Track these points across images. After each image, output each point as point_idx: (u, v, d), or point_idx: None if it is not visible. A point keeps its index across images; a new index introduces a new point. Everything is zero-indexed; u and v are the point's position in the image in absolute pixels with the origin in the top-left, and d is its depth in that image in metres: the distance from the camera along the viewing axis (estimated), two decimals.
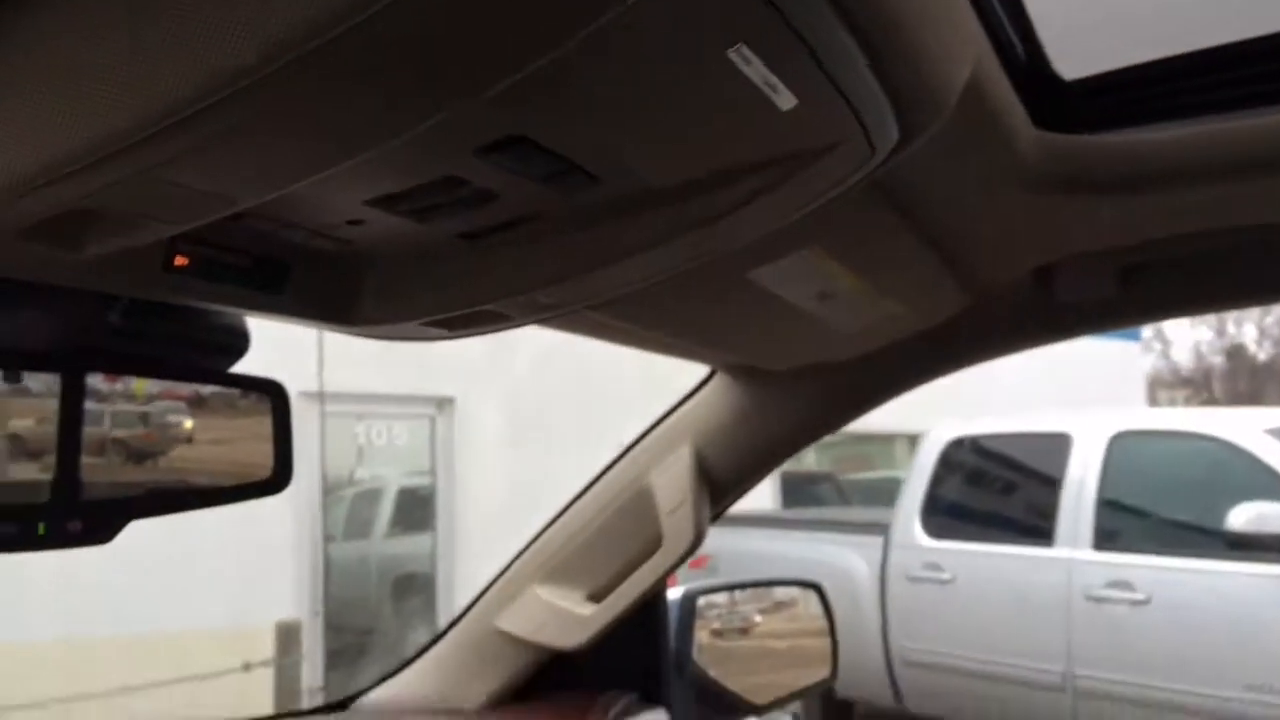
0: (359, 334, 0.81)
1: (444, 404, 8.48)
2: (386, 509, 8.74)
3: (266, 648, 6.12)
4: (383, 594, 8.59)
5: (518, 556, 1.43)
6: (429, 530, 8.56)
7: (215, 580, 6.92)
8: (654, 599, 1.48)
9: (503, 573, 1.44)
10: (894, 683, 5.35)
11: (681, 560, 1.28)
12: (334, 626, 7.70)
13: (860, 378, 1.26)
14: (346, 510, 8.64)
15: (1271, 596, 4.05)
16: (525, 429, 8.36)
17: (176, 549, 6.82)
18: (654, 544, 1.31)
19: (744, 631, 1.79)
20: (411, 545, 8.59)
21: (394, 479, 8.82)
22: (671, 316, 1.00)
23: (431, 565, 8.53)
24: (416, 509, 8.63)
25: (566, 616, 1.36)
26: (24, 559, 6.35)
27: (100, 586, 6.52)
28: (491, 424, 8.43)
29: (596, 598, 1.37)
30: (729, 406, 1.30)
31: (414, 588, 8.55)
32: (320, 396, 6.15)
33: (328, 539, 8.11)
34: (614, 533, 1.36)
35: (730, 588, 1.71)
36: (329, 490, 8.12)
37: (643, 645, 1.49)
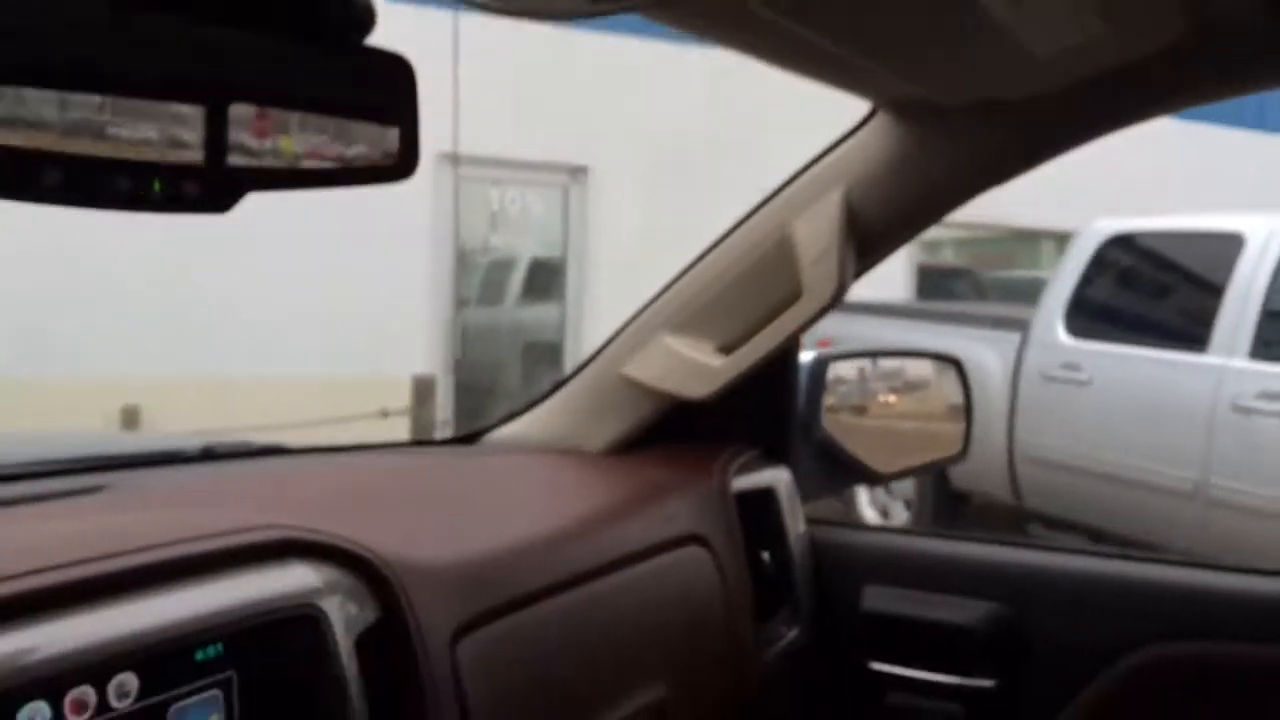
0: (490, 4, 0.72)
1: (577, 173, 8.42)
2: (518, 278, 8.92)
3: (403, 398, 6.45)
4: (511, 359, 8.90)
5: (649, 304, 1.39)
6: (559, 300, 8.73)
7: (355, 336, 7.26)
8: (785, 357, 1.42)
9: (632, 320, 1.40)
10: (1014, 479, 5.31)
11: (821, 313, 1.21)
12: (464, 387, 8.05)
13: (1043, 118, 1.12)
14: (480, 277, 8.86)
15: None
16: (659, 201, 8.27)
17: (321, 306, 7.14)
18: (791, 297, 1.24)
19: (869, 411, 1.74)
20: (541, 314, 8.80)
21: (526, 249, 8.95)
22: (841, 19, 0.87)
23: (559, 334, 8.74)
24: (547, 279, 8.78)
25: (694, 366, 1.32)
26: (183, 295, 6.73)
27: (253, 327, 6.92)
28: (625, 194, 8.36)
29: (727, 350, 1.32)
30: (889, 148, 1.18)
31: (542, 355, 8.82)
32: (455, 159, 6.15)
33: (460, 303, 8.35)
34: (750, 283, 1.29)
35: (864, 355, 1.65)
36: (463, 257, 8.29)
37: (770, 404, 1.46)
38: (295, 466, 1.27)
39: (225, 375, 6.62)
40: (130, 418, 6.36)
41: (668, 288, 1.38)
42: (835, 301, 1.19)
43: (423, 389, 6.36)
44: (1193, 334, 4.59)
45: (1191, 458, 4.44)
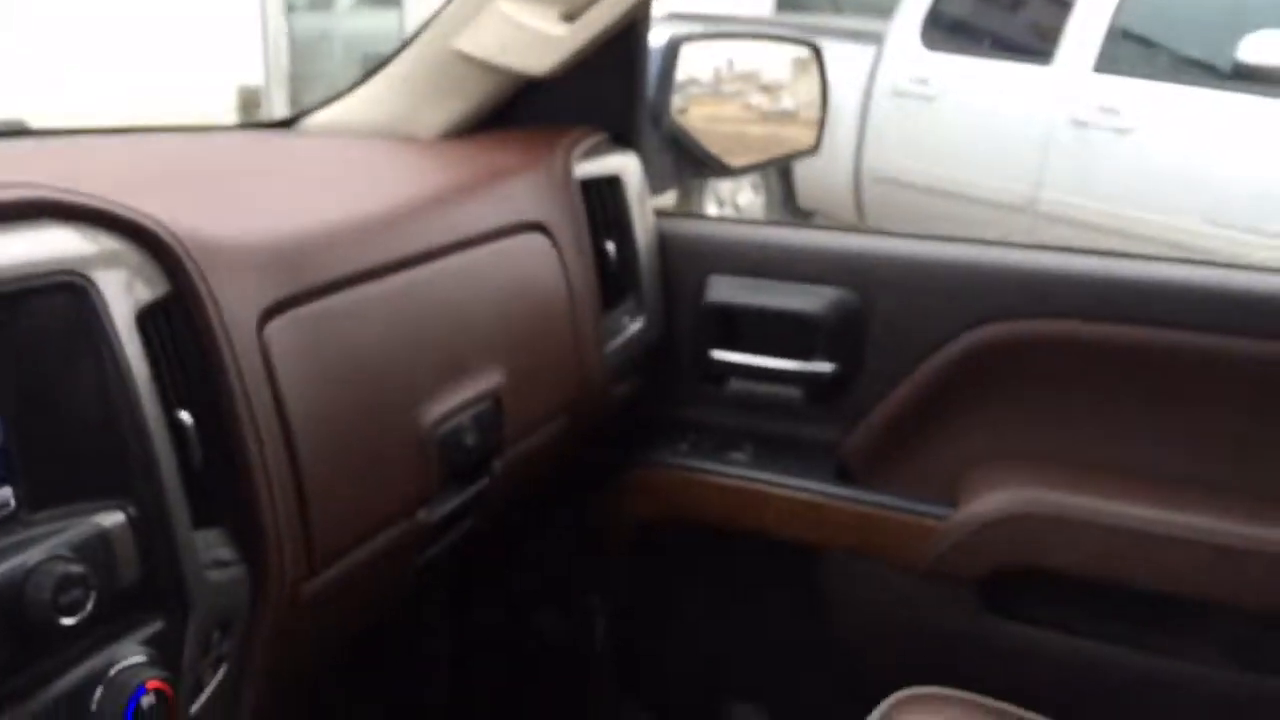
0: None
1: None
2: None
3: (229, 112, 5.99)
4: (346, 73, 8.30)
5: None
6: (396, 6, 8.08)
7: (177, 48, 6.61)
8: (634, 33, 1.31)
9: None
10: (859, 197, 5.39)
11: None
12: (295, 104, 7.51)
13: None
14: None
15: (1256, 132, 3.98)
16: None
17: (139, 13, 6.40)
18: None
19: (723, 114, 1.66)
20: (378, 21, 8.16)
21: None
22: None
23: (399, 45, 8.17)
24: None
25: (535, 36, 1.20)
26: None
27: (72, 28, 6.19)
28: None
29: (571, 17, 1.19)
30: None
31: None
32: None
33: (289, 8, 7.67)
34: None
35: (720, 36, 1.54)
36: None
37: (618, 86, 1.35)
38: (80, 144, 1.12)
39: (18, 81, 5.96)
40: None
41: None
42: None
43: (249, 101, 5.90)
44: (1040, 47, 4.60)
45: (1026, 172, 4.57)
